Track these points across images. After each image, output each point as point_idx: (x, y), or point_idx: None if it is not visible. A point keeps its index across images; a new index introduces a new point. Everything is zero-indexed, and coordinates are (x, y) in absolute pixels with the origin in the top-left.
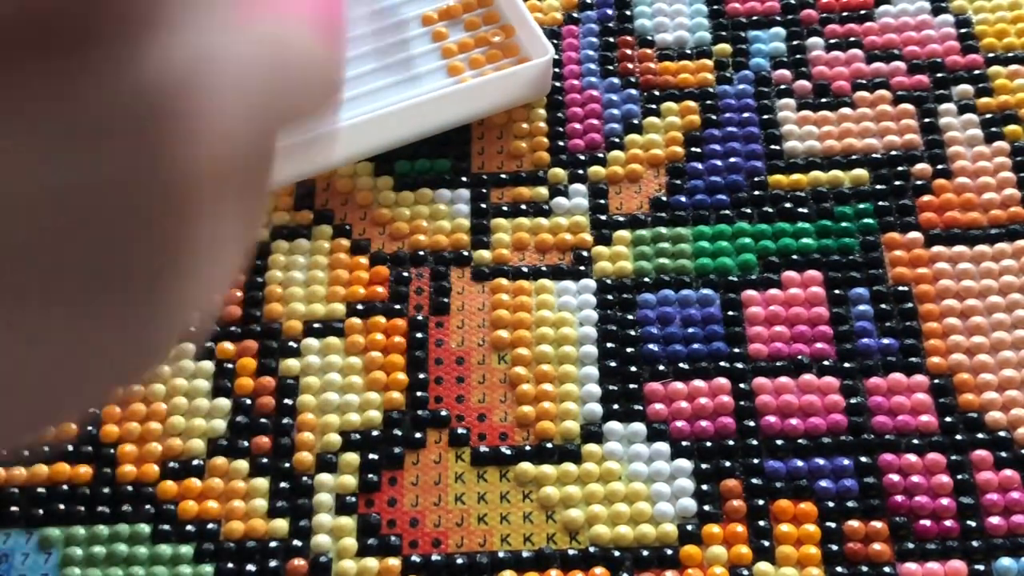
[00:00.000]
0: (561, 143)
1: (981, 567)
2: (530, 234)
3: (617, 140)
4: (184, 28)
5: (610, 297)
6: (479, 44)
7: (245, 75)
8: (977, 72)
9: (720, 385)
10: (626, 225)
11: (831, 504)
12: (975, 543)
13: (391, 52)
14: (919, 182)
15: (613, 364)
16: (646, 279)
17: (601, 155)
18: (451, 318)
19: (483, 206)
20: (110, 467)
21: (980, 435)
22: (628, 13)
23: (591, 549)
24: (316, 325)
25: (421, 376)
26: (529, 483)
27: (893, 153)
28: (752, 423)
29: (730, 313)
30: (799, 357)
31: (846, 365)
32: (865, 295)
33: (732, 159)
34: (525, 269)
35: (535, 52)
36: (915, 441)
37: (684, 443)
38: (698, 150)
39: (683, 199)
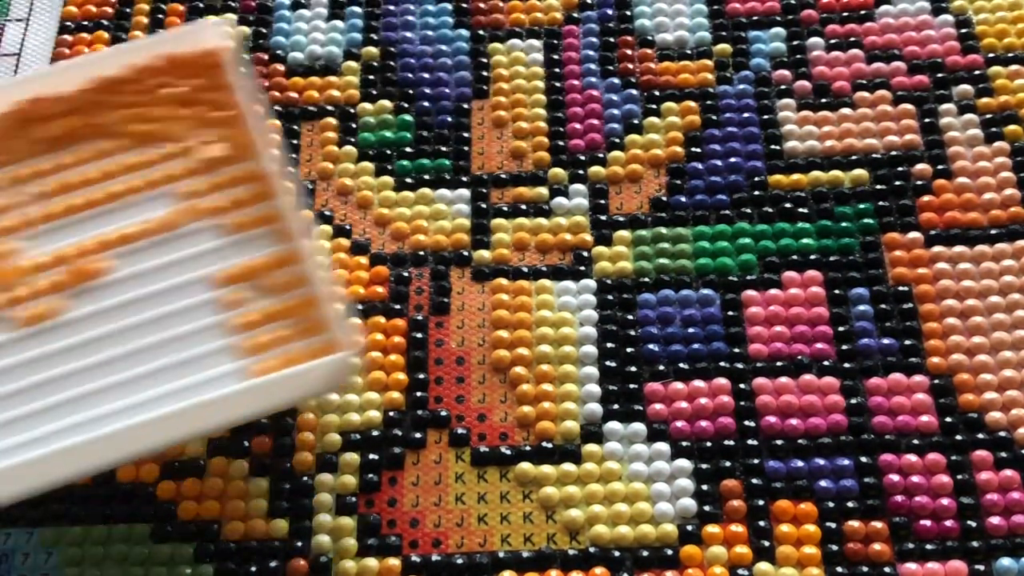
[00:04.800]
0: (561, 143)
1: (981, 567)
2: (530, 234)
3: (617, 140)
4: None
5: (610, 297)
6: (275, 317)
7: None
8: (977, 72)
9: (720, 385)
10: (626, 225)
11: (831, 504)
12: (975, 543)
13: (170, 323)
14: (919, 182)
15: (613, 364)
16: (646, 279)
17: (601, 155)
18: (451, 318)
19: (483, 206)
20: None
21: (980, 435)
22: (628, 13)
23: (591, 549)
24: None
25: (421, 376)
26: (529, 483)
27: (893, 153)
28: (752, 423)
29: (730, 313)
30: (799, 357)
31: (846, 365)
32: (865, 295)
33: (732, 159)
34: (525, 269)
35: (339, 337)
36: (915, 441)
37: (684, 443)
38: (698, 150)
39: (683, 199)
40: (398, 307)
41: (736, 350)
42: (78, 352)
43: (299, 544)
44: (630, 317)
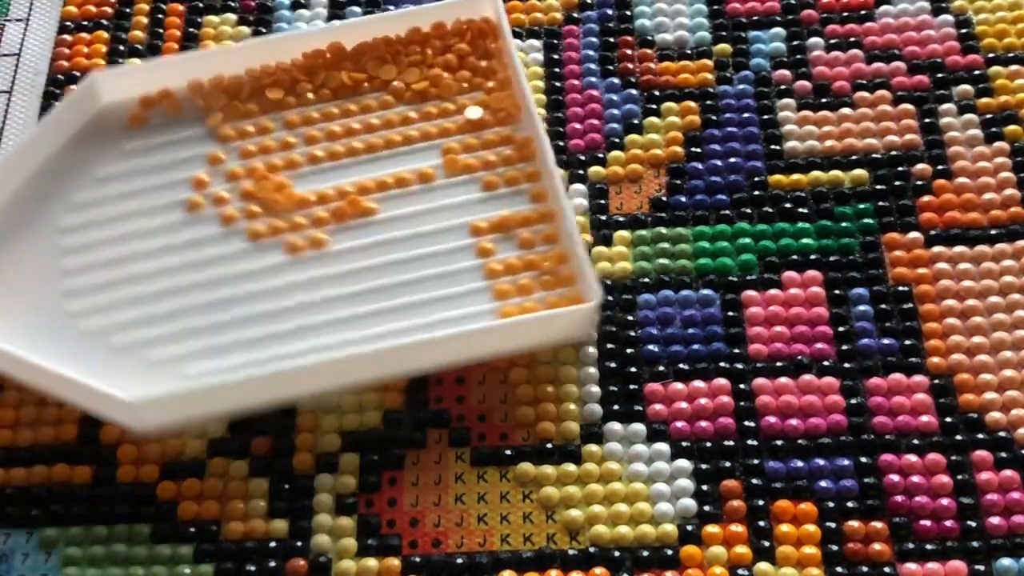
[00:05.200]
0: (561, 143)
1: (981, 567)
2: None
3: (617, 140)
4: None
5: (610, 297)
6: (528, 267)
7: None
8: (977, 72)
9: (720, 385)
10: (626, 225)
11: (831, 504)
12: (975, 543)
13: (428, 264)
14: (919, 182)
15: (613, 364)
16: (646, 279)
17: (601, 155)
18: None
19: None
20: (110, 467)
21: (980, 435)
22: (628, 13)
23: (591, 549)
24: None
25: (421, 376)
26: (529, 483)
27: (893, 153)
28: (752, 423)
29: (730, 313)
30: (799, 357)
31: (846, 365)
32: (865, 295)
33: (732, 159)
34: None
35: (585, 289)
36: (915, 441)
37: (684, 443)
38: (698, 150)
39: (683, 199)
40: None
41: (736, 350)
42: (342, 280)
43: (299, 544)
44: (630, 317)
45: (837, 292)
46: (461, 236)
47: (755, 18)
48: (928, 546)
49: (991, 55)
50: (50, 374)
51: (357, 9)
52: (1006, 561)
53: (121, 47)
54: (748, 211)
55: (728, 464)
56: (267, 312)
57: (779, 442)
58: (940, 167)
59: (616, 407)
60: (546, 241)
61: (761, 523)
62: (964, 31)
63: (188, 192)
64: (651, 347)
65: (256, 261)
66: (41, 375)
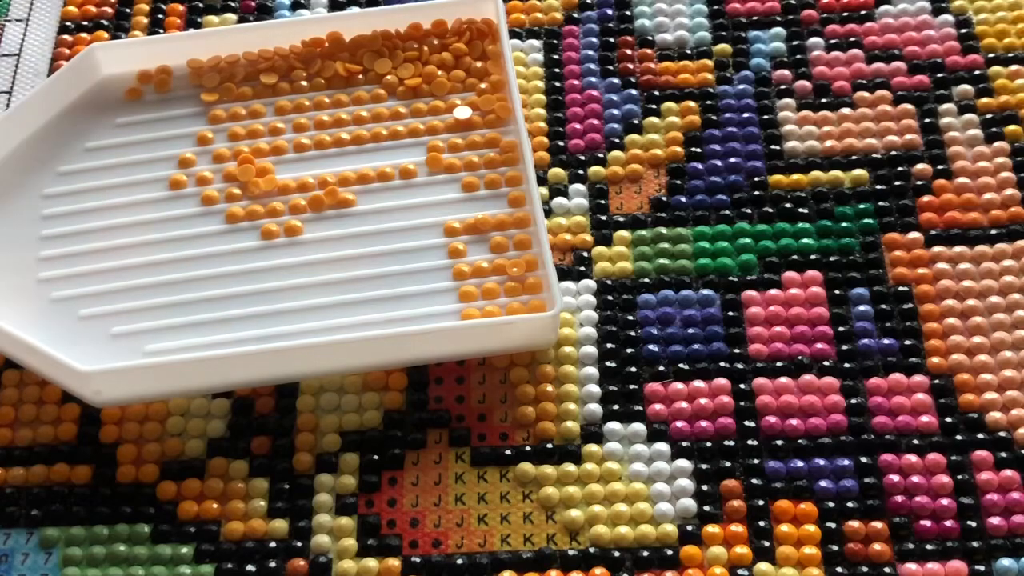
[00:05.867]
0: (561, 143)
1: (981, 567)
2: None
3: (617, 140)
4: None
5: (610, 297)
6: (496, 272)
7: None
8: (977, 72)
9: (720, 385)
10: (626, 225)
11: (831, 504)
12: (975, 543)
13: (401, 259)
14: (919, 182)
15: (613, 364)
16: (646, 279)
17: (601, 155)
18: None
19: None
20: (110, 467)
21: (980, 435)
22: (628, 13)
23: (591, 549)
24: None
25: (421, 376)
26: (529, 483)
27: (893, 153)
28: (752, 423)
29: (730, 313)
30: (799, 357)
31: (846, 365)
32: (865, 295)
33: (732, 159)
34: None
35: (548, 299)
36: (915, 441)
37: (684, 443)
38: (698, 150)
39: (683, 199)
40: None
41: (736, 350)
42: (312, 269)
43: (299, 544)
44: (630, 317)
45: (837, 292)
46: (435, 235)
47: (755, 18)
48: (928, 546)
49: (991, 55)
50: (8, 337)
51: (357, 9)
52: (1006, 561)
53: None
54: (748, 211)
55: (728, 464)
56: (234, 295)
57: (779, 442)
58: (940, 167)
59: (616, 407)
60: (518, 246)
61: (761, 523)
62: (964, 31)
63: (173, 170)
64: (651, 347)
65: (230, 243)
66: (0, 337)
